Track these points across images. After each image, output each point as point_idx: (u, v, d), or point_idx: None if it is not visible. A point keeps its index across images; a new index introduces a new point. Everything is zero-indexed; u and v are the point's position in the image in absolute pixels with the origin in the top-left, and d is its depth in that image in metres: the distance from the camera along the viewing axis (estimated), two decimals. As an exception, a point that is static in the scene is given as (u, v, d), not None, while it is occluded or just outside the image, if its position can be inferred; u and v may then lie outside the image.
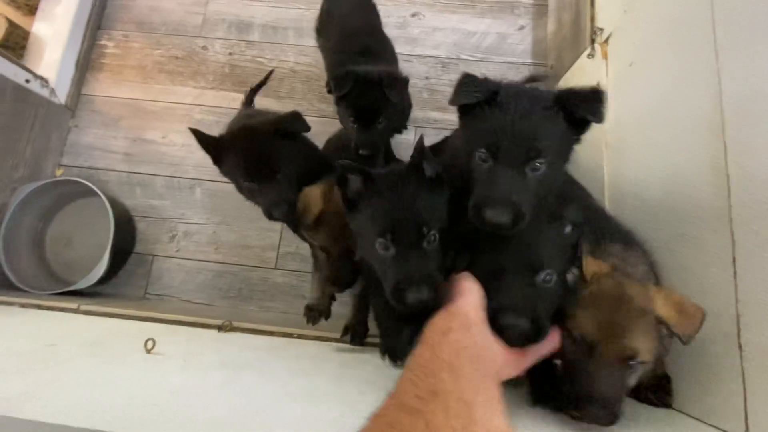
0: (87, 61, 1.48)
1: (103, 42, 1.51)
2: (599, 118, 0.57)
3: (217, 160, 0.85)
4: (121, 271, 1.30)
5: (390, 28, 1.46)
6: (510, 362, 0.51)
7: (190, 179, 1.36)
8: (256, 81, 1.43)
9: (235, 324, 0.94)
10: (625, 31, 0.95)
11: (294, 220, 0.84)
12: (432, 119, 1.38)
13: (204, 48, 1.48)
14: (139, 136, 1.41)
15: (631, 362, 0.52)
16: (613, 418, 0.51)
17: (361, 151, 0.91)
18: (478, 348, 0.45)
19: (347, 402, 0.55)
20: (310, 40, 1.46)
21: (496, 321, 0.50)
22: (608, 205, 0.91)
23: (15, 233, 1.22)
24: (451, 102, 0.59)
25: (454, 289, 0.54)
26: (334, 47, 1.14)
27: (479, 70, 1.41)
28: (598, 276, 0.56)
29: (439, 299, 0.53)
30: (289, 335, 0.94)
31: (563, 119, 0.56)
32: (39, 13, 1.51)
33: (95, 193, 1.22)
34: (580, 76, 1.12)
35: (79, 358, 0.64)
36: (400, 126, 1.14)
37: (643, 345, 0.52)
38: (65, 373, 0.57)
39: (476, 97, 0.56)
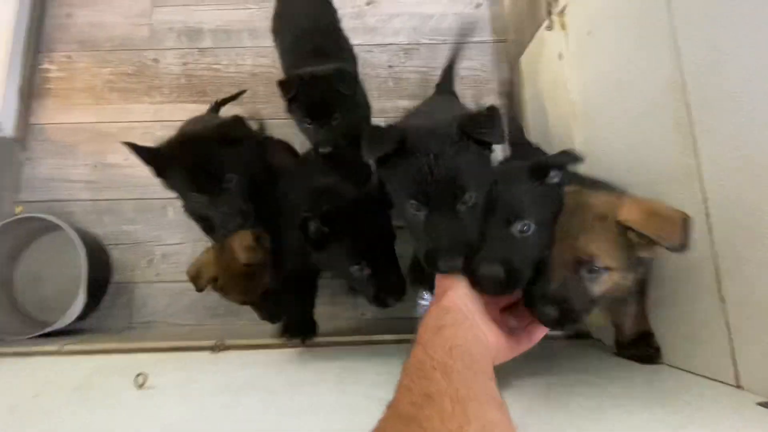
0: (31, 89, 1.39)
1: (45, 66, 1.42)
2: (499, 140, 0.59)
3: (160, 173, 0.82)
4: (102, 303, 1.25)
5: (346, 19, 1.42)
6: (503, 349, 0.51)
7: (160, 199, 1.31)
8: (214, 89, 1.39)
9: (229, 342, 0.92)
10: (579, 1, 0.95)
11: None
12: (401, 108, 1.36)
13: (155, 60, 1.41)
14: (99, 161, 1.35)
15: (592, 268, 0.52)
16: (563, 320, 0.51)
17: (321, 150, 0.88)
18: (470, 343, 0.44)
19: (354, 410, 0.55)
20: (267, 41, 1.41)
21: (472, 272, 0.53)
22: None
23: (-20, 280, 1.15)
24: (365, 157, 0.60)
25: (442, 283, 0.54)
26: (287, 48, 1.11)
27: (442, 53, 1.40)
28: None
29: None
30: (285, 346, 0.92)
31: (473, 143, 0.56)
32: (-31, 43, 1.41)
33: (61, 227, 1.16)
34: (540, 48, 1.12)
35: (68, 406, 0.61)
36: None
37: (598, 248, 0.51)
38: (55, 425, 0.55)
39: (386, 148, 0.56)
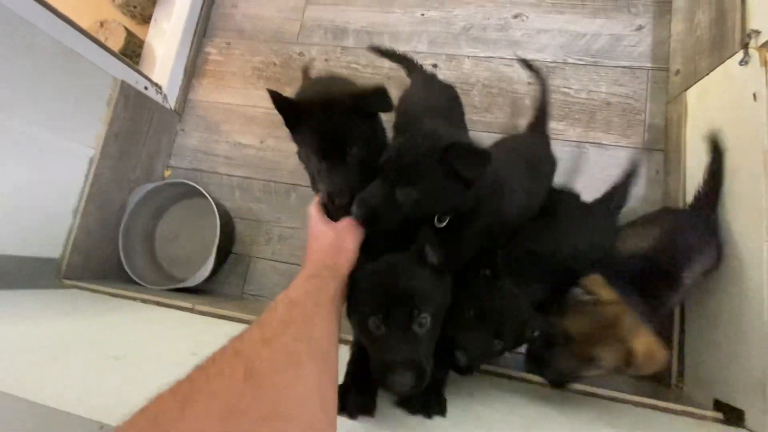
0: (194, 68, 1.56)
1: (207, 49, 1.59)
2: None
3: (291, 126, 0.77)
4: (221, 270, 1.36)
5: (490, 31, 1.40)
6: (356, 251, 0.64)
7: (286, 184, 1.39)
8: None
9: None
10: (797, 35, 0.81)
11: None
12: (535, 128, 1.29)
13: (300, 54, 1.50)
14: (238, 141, 1.47)
15: (594, 364, 0.71)
16: (555, 383, 0.78)
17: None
18: (333, 291, 0.50)
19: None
20: (405, 45, 1.44)
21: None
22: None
23: (131, 231, 1.32)
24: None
25: (340, 242, 0.62)
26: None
27: (589, 75, 1.31)
28: (605, 300, 0.72)
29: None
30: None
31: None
32: (152, 22, 1.62)
33: (200, 194, 1.29)
34: (725, 84, 0.99)
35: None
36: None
37: (605, 358, 0.70)
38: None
39: None
